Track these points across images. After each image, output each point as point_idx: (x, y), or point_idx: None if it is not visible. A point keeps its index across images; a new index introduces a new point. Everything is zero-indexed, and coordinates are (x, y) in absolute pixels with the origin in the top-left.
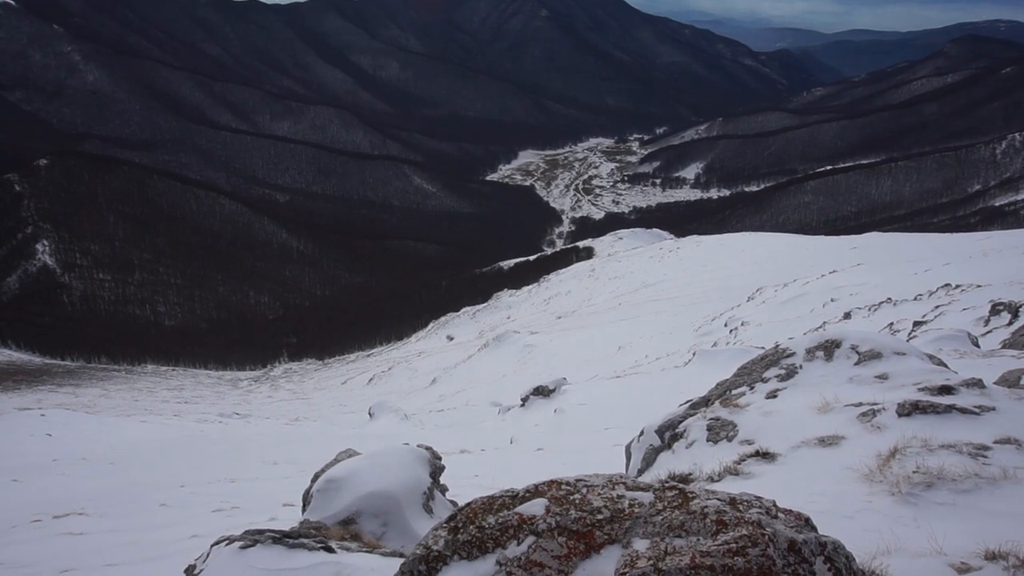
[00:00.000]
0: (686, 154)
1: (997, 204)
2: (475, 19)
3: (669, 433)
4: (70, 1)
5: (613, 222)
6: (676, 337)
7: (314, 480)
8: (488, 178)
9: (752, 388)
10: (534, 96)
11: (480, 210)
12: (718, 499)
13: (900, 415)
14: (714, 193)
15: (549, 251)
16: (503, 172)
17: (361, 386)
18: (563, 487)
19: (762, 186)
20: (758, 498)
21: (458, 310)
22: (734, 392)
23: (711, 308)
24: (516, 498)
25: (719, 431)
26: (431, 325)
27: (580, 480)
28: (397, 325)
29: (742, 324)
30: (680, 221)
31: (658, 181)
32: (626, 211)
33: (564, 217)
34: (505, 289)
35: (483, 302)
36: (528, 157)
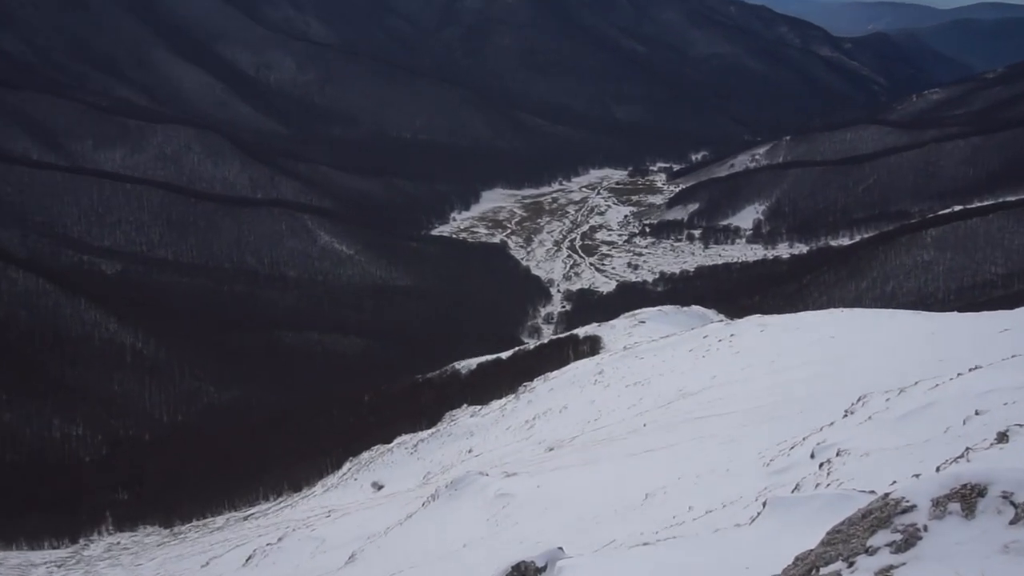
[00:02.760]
0: (738, 191)
1: None
2: None
3: None
4: None
5: (630, 297)
6: (735, 477)
7: None
8: (436, 232)
9: (851, 565)
10: (504, 108)
11: (424, 282)
12: None
13: None
14: (784, 249)
15: (532, 344)
16: (459, 222)
17: (235, 569)
18: None
19: (856, 237)
20: None
21: (390, 441)
22: (823, 573)
23: (788, 429)
24: None
25: None
26: (347, 466)
27: None
28: (293, 467)
29: (838, 454)
30: (733, 294)
31: (697, 233)
32: (649, 280)
33: (554, 290)
34: (464, 406)
35: (430, 427)
36: (497, 199)
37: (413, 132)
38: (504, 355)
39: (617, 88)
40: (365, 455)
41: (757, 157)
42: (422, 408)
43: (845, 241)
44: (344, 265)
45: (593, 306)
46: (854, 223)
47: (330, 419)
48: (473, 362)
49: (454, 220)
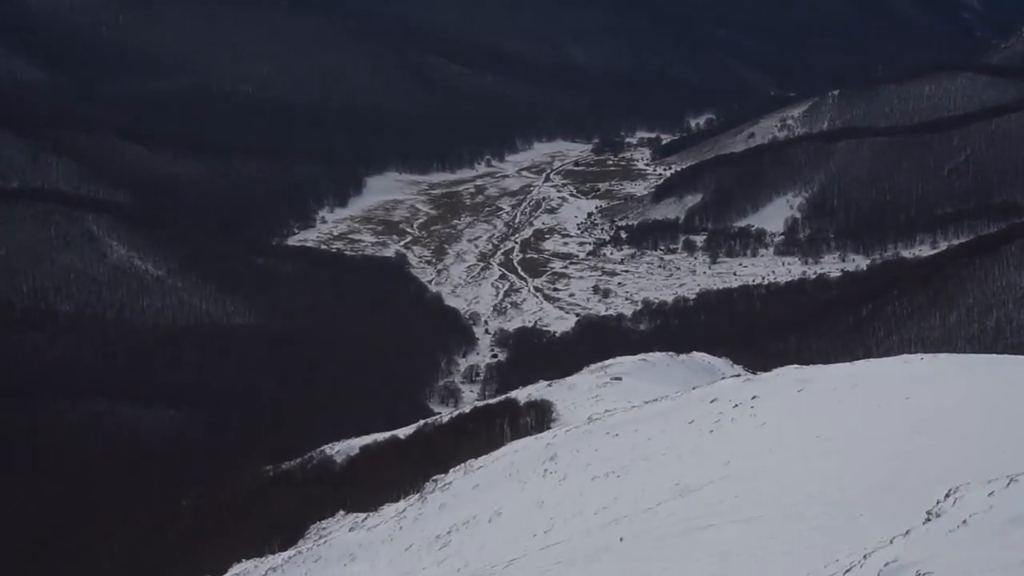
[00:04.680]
0: (762, 176)
1: None
2: None
3: None
4: None
5: (598, 339)
6: None
7: None
8: (296, 240)
9: None
10: (402, 48)
11: (276, 319)
12: None
13: None
14: (831, 264)
15: (446, 414)
16: (332, 225)
17: None
18: None
19: (942, 245)
20: None
21: (224, 572)
22: None
23: (841, 542)
24: None
25: None
26: None
27: None
28: None
29: None
30: (755, 333)
31: (699, 240)
32: (627, 312)
33: (480, 330)
34: (340, 513)
35: (286, 548)
36: (390, 189)
37: (258, 85)
38: (403, 432)
39: (576, 18)
40: None
41: (789, 123)
42: (275, 517)
43: (924, 251)
44: (150, 293)
45: (540, 354)
46: (938, 223)
47: (125, 539)
48: (354, 444)
49: (324, 221)
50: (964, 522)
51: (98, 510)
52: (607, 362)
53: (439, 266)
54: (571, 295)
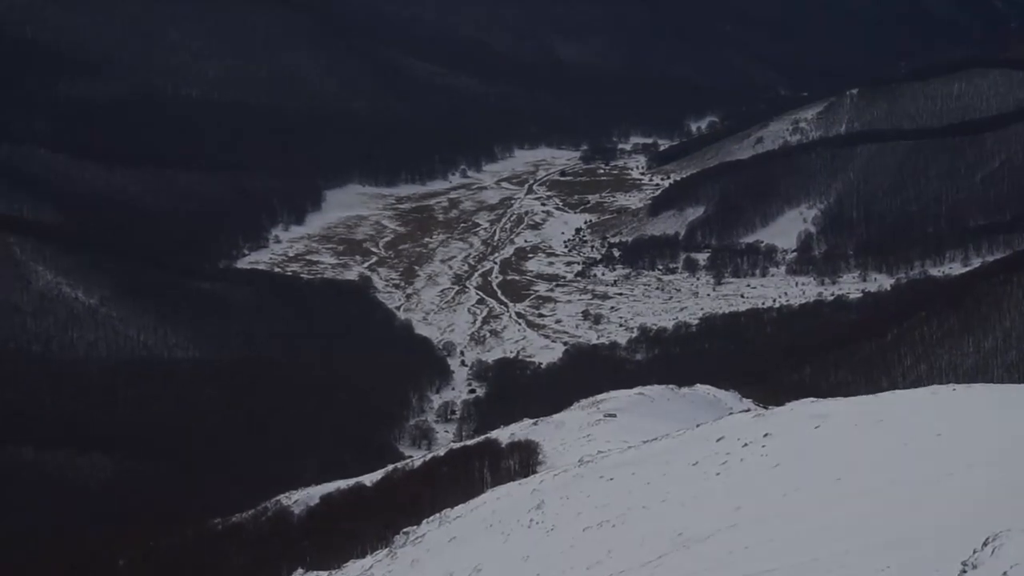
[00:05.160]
0: (772, 185)
1: None
2: None
3: None
4: None
5: (588, 372)
6: None
7: None
8: (247, 262)
9: None
10: (366, 45)
11: (224, 351)
12: None
13: None
14: (851, 284)
15: (418, 458)
16: (287, 245)
17: None
18: None
19: (975, 262)
20: None
21: None
22: None
23: None
24: None
25: None
26: None
27: None
28: None
29: None
30: (766, 363)
31: (702, 258)
32: (621, 341)
33: (456, 361)
34: (298, 571)
35: None
36: (353, 204)
37: (204, 88)
38: (369, 479)
39: (564, 11)
40: None
41: (802, 126)
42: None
43: (955, 268)
44: (81, 324)
45: (524, 389)
46: (970, 237)
47: None
48: (314, 493)
49: (278, 241)
50: (1004, 574)
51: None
52: (599, 397)
53: (408, 290)
54: (558, 321)
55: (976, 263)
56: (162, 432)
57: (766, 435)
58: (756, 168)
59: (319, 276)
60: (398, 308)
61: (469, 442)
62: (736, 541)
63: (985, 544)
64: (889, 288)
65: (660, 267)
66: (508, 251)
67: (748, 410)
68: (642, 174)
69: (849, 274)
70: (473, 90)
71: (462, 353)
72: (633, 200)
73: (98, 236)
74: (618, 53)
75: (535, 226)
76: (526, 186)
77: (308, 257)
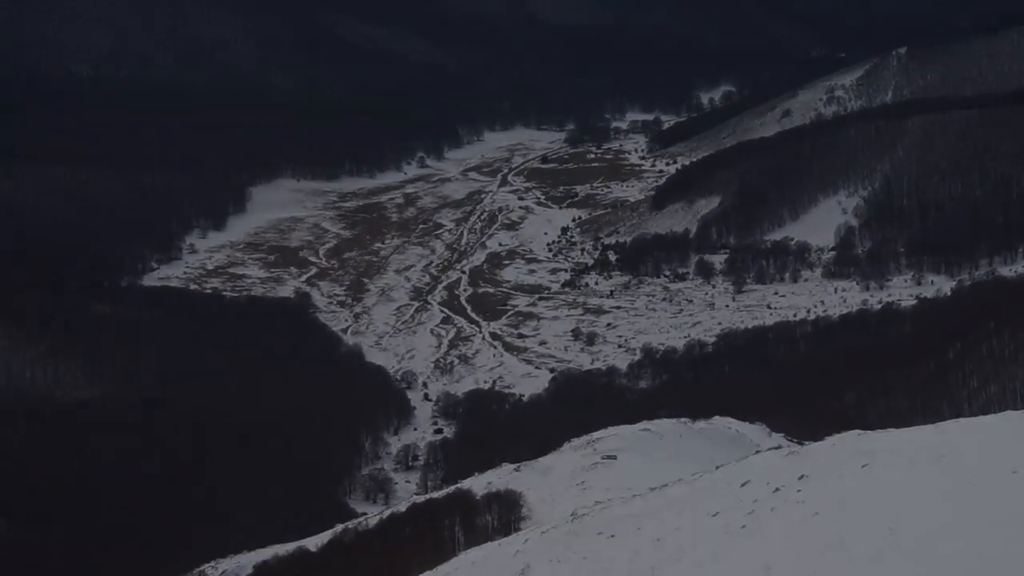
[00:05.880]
0: (804, 169)
1: None
2: None
3: None
4: None
5: (580, 404)
6: None
7: None
8: (157, 277)
9: None
10: (300, 7)
11: (130, 388)
12: None
13: None
14: (902, 288)
15: (372, 514)
16: (204, 255)
17: None
18: None
19: None
20: None
21: None
22: None
23: None
24: None
25: None
26: None
27: None
28: None
29: None
30: (800, 388)
31: (718, 262)
32: (621, 365)
33: (417, 394)
34: None
35: None
36: (284, 203)
37: (98, 63)
38: (314, 543)
39: None
40: None
41: (839, 95)
42: None
43: None
44: None
45: (502, 427)
46: None
47: None
48: (246, 561)
49: (193, 251)
50: None
51: None
52: (595, 435)
53: (357, 308)
54: (542, 343)
55: None
56: (55, 490)
57: (801, 477)
58: (783, 148)
59: (245, 293)
60: (345, 331)
61: (436, 494)
62: None
63: None
64: (949, 293)
65: (667, 273)
66: (479, 257)
67: (779, 447)
68: (642, 159)
69: (900, 276)
70: (428, 57)
71: (425, 385)
72: (632, 191)
73: None
74: (609, 7)
75: (511, 225)
76: (499, 176)
77: (231, 270)
